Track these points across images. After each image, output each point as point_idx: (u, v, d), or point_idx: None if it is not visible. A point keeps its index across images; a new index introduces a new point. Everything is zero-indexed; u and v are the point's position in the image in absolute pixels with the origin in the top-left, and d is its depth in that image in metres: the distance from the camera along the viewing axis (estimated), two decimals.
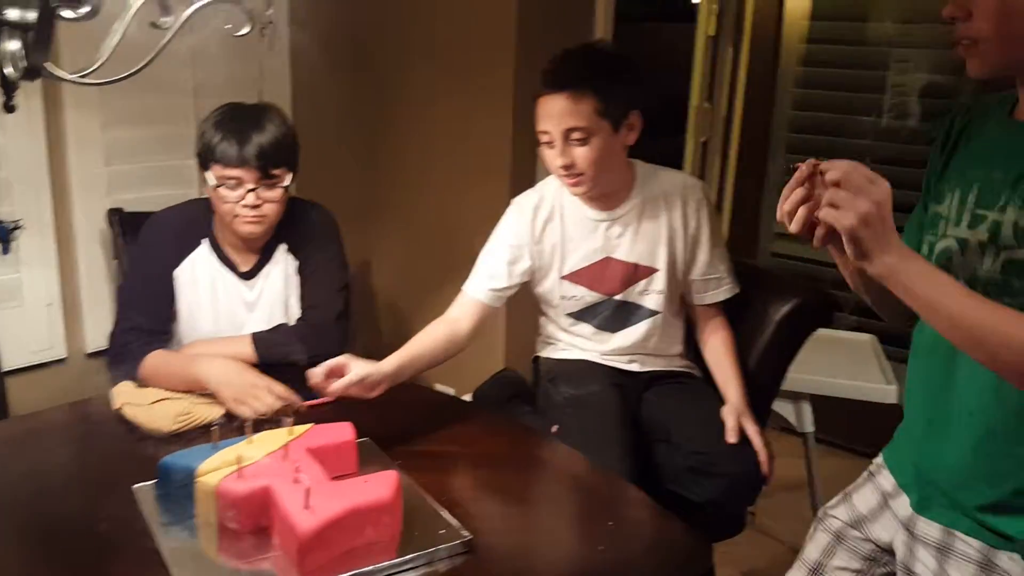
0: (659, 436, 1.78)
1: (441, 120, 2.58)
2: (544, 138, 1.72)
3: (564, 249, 1.83)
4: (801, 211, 1.07)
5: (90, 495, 1.37)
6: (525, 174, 2.39)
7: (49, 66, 1.08)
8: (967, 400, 1.19)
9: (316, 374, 1.51)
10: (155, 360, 1.75)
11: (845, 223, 1.02)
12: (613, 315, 1.85)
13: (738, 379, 1.80)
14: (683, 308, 1.92)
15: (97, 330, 2.35)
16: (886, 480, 1.34)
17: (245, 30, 1.20)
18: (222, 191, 1.77)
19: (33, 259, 2.26)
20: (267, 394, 1.63)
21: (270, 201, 1.79)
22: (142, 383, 1.72)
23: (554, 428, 1.72)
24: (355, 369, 1.52)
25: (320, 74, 2.70)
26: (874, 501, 1.34)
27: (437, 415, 1.64)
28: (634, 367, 1.88)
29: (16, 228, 2.20)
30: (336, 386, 1.49)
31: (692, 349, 1.95)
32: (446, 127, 2.58)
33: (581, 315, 1.87)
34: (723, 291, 1.87)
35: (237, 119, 1.79)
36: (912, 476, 1.29)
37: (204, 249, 1.88)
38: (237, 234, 1.82)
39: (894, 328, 1.38)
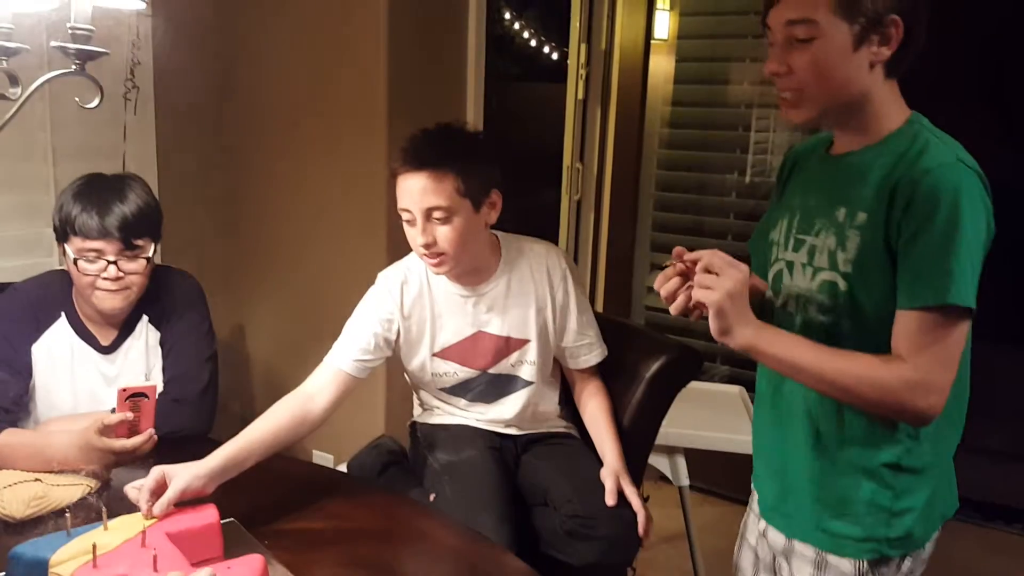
0: (537, 500, 1.77)
1: (314, 183, 2.56)
2: (405, 216, 1.71)
3: (434, 326, 1.80)
4: (680, 299, 1.25)
5: None
6: (402, 236, 2.38)
7: None
8: (797, 407, 1.34)
9: (143, 502, 1.34)
10: (7, 440, 1.65)
11: (713, 298, 1.17)
12: (487, 388, 1.85)
13: (615, 440, 1.82)
14: (558, 369, 1.94)
15: None
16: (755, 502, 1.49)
17: (94, 103, 1.17)
18: (82, 264, 1.71)
19: None
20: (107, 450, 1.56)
21: (133, 273, 1.74)
22: None
23: (431, 497, 1.70)
24: (175, 483, 1.37)
25: (188, 138, 2.65)
26: (751, 523, 1.51)
27: (308, 489, 1.59)
28: (512, 431, 1.88)
29: None
30: (159, 508, 1.33)
31: (570, 407, 1.98)
32: (320, 190, 2.56)
33: (454, 390, 1.86)
34: (594, 355, 1.89)
35: (98, 189, 1.74)
36: (761, 487, 1.46)
37: (62, 323, 1.80)
38: (98, 309, 1.75)
39: None
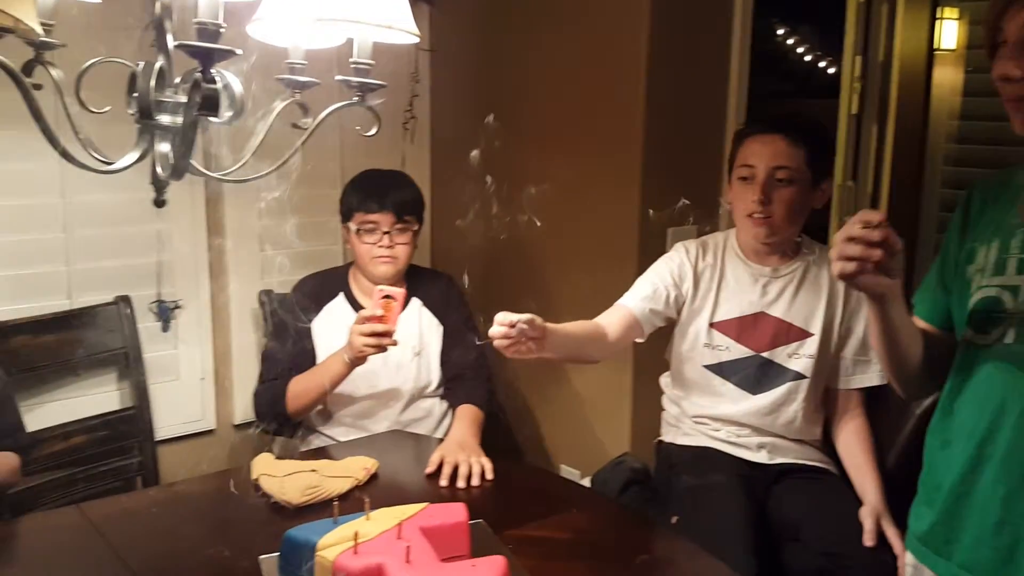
0: (788, 535, 1.69)
1: (571, 213, 2.61)
2: (744, 172, 1.78)
3: (719, 296, 1.84)
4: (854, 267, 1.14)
5: (221, 562, 1.42)
6: (655, 254, 2.37)
7: (194, 164, 1.17)
8: None
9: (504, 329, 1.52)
10: (295, 386, 2.05)
11: None
12: (756, 374, 1.81)
13: (876, 478, 1.71)
14: (825, 398, 1.85)
15: (245, 403, 2.48)
16: None
17: (373, 131, 1.28)
18: (363, 234, 2.09)
19: (190, 336, 2.43)
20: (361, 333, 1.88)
21: (401, 244, 2.11)
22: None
23: (673, 519, 1.68)
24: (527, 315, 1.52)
25: (457, 166, 2.81)
26: None
27: (553, 500, 1.63)
28: (762, 456, 1.81)
29: (176, 307, 2.39)
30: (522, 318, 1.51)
31: (830, 446, 1.86)
32: (576, 220, 2.60)
33: (721, 369, 1.83)
34: (872, 376, 1.79)
35: (376, 178, 2.20)
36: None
37: (340, 299, 2.19)
38: (372, 276, 2.11)
39: None
